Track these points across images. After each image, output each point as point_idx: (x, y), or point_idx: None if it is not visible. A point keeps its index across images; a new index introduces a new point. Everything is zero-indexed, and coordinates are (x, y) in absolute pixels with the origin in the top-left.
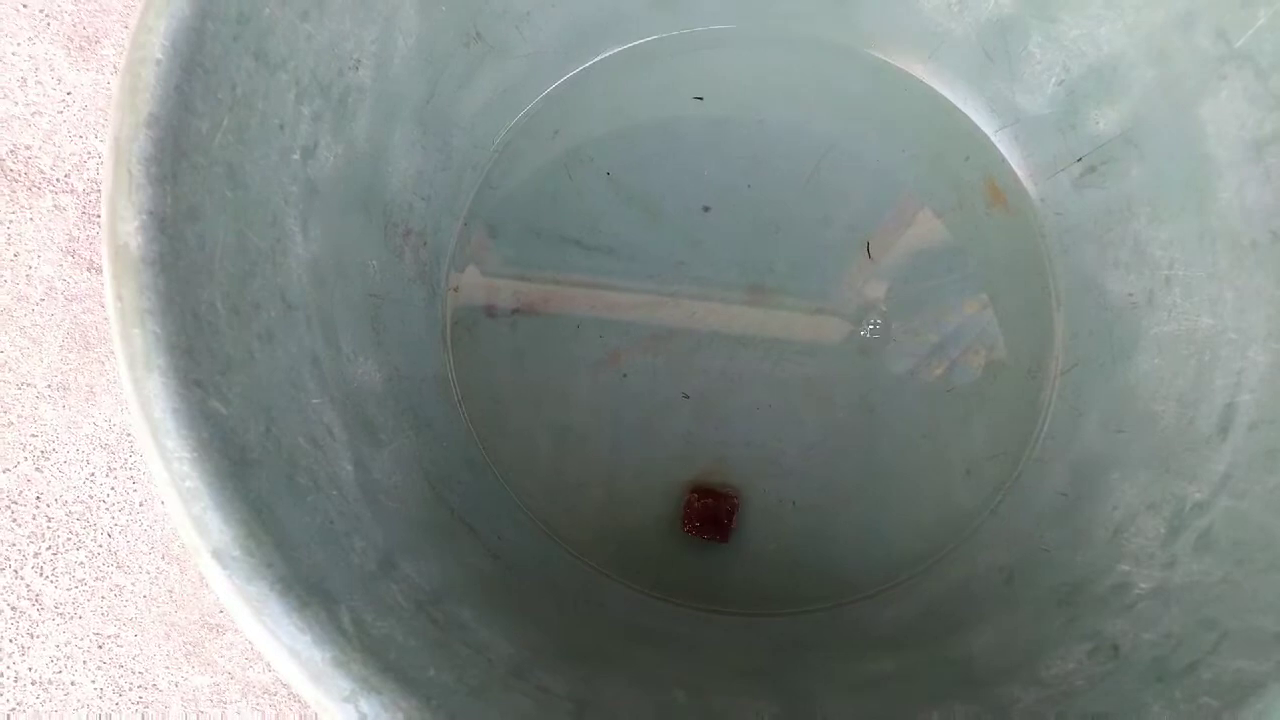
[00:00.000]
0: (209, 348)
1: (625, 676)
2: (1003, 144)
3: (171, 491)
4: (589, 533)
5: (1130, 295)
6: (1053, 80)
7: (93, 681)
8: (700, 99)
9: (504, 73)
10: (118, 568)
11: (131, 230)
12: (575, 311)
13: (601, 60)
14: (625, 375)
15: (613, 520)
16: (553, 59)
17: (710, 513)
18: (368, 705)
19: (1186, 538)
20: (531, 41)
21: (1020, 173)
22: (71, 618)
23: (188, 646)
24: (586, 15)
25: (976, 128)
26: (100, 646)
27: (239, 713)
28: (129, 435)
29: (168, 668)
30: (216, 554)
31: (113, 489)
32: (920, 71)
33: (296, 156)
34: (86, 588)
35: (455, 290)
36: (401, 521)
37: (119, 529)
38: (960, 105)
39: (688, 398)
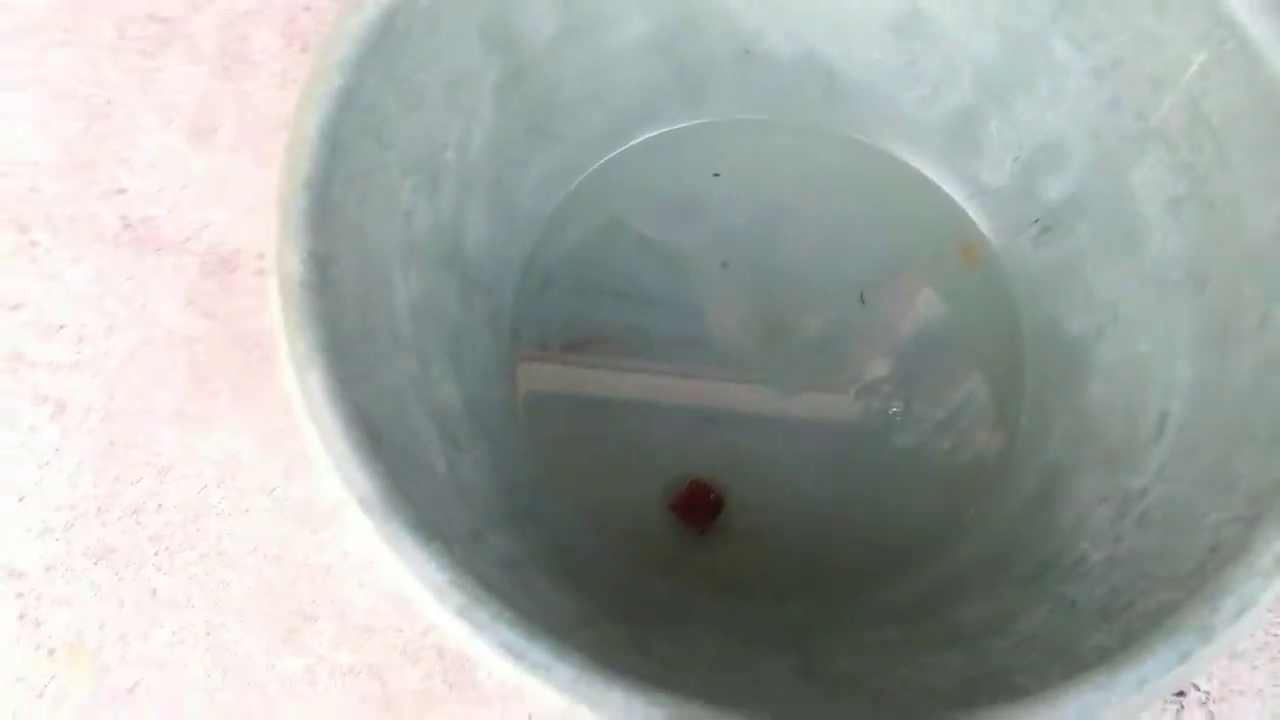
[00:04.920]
0: (346, 359)
1: (667, 637)
2: (972, 211)
3: (327, 459)
4: (632, 541)
5: (1084, 332)
6: (1010, 157)
7: (201, 662)
8: (718, 175)
9: (554, 156)
10: (225, 567)
11: (295, 263)
12: (616, 352)
13: (635, 144)
14: (658, 405)
15: (646, 530)
16: (595, 144)
17: (696, 500)
18: (477, 616)
19: (1130, 518)
20: (578, 130)
21: (989, 235)
22: (185, 608)
23: (284, 633)
24: (623, 108)
25: (950, 199)
26: (208, 634)
27: (326, 690)
28: (237, 456)
29: (266, 651)
30: (362, 502)
31: (222, 499)
32: (901, 152)
33: (400, 219)
34: (198, 583)
35: (516, 333)
36: (482, 511)
37: (227, 533)
38: (935, 180)
39: (713, 423)
